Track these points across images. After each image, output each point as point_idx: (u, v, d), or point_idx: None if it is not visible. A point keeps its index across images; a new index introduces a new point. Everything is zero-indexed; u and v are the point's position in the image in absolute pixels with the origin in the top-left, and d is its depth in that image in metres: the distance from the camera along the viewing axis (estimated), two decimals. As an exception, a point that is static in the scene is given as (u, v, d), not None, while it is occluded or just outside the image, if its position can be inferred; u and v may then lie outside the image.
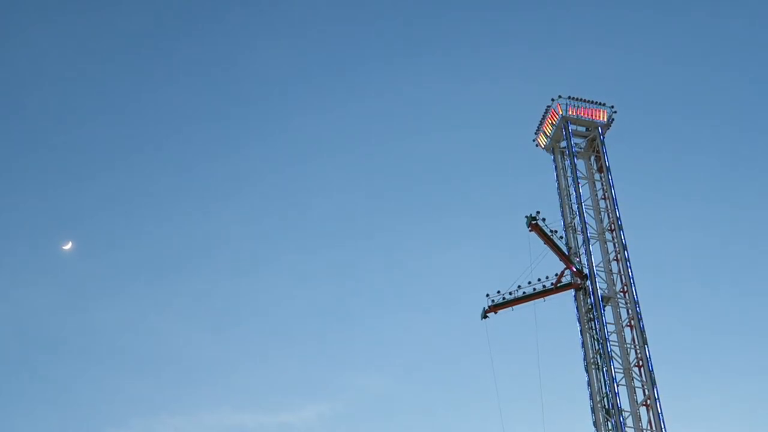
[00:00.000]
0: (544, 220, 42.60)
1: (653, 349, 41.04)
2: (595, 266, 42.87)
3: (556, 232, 43.09)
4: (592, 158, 46.37)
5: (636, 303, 41.95)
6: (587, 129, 46.78)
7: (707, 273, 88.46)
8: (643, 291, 42.61)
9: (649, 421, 39.31)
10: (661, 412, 39.21)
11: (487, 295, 43.67)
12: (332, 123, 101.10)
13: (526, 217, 42.58)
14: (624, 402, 39.71)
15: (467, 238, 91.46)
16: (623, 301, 42.39)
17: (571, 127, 46.21)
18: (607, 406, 39.59)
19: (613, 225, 44.06)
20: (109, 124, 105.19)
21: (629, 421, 39.33)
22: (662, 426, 38.86)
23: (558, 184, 46.03)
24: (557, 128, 46.21)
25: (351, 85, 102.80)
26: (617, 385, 39.76)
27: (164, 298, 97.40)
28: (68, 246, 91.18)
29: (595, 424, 40.00)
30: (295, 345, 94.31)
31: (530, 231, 42.51)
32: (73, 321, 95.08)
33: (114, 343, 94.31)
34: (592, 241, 43.64)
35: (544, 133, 47.07)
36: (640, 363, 40.72)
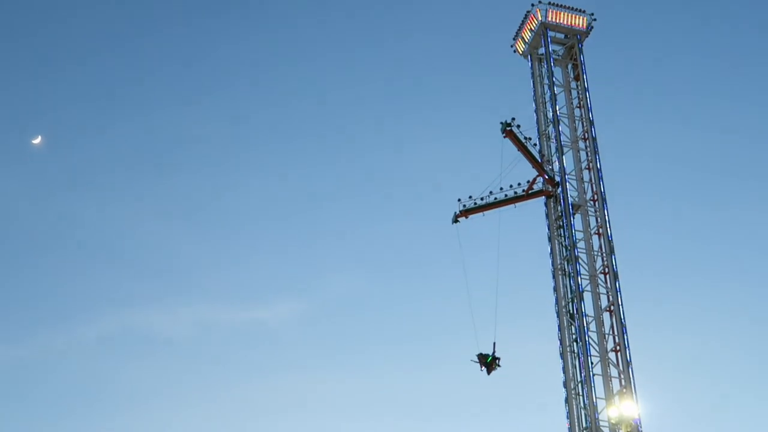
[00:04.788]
0: (518, 126, 42.70)
1: (620, 258, 41.94)
2: (567, 174, 43.32)
3: (530, 139, 43.30)
4: (570, 66, 46.26)
5: (605, 211, 42.56)
6: (566, 36, 46.48)
7: (679, 184, 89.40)
8: (613, 200, 43.27)
9: (612, 327, 40.34)
10: (624, 318, 40.24)
11: (459, 200, 44.04)
12: (307, 29, 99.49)
13: (501, 123, 42.64)
14: (588, 308, 40.70)
15: (441, 142, 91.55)
16: (593, 210, 42.98)
17: (550, 33, 45.91)
18: (571, 311, 40.58)
19: (586, 133, 44.32)
20: (80, 16, 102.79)
21: (592, 326, 40.32)
22: (624, 331, 39.92)
23: (534, 91, 45.98)
24: (536, 34, 45.90)
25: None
26: (582, 291, 40.66)
27: (138, 193, 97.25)
28: (37, 140, 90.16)
29: (559, 327, 41.02)
30: (269, 243, 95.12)
31: (504, 137, 42.62)
32: (44, 216, 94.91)
33: (86, 238, 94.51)
34: (565, 150, 43.97)
35: (523, 38, 46.74)
36: (606, 270, 41.54)
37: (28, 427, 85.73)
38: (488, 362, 39.59)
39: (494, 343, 39.49)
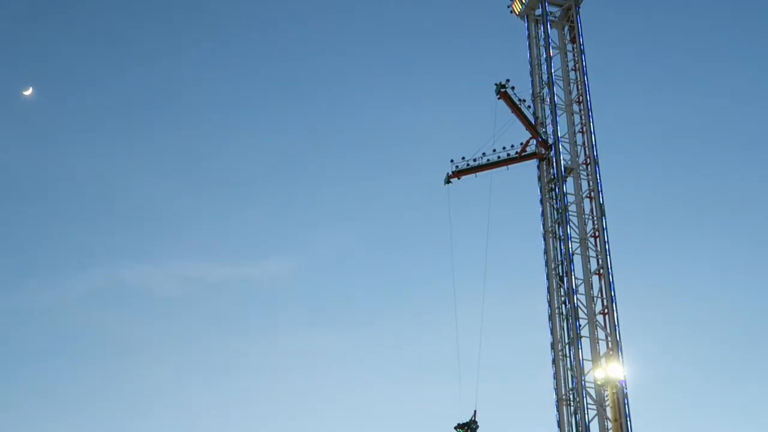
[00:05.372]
0: (513, 88, 42.61)
1: (611, 222, 42.13)
2: (561, 137, 43.32)
3: (524, 101, 43.24)
4: (566, 28, 46.01)
5: (597, 175, 42.63)
6: (563, -3, 46.22)
7: (672, 148, 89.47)
8: (605, 164, 43.31)
9: (601, 289, 40.65)
10: (613, 282, 40.52)
11: (452, 161, 44.14)
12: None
13: (496, 84, 42.57)
14: (578, 271, 40.95)
15: (435, 102, 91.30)
16: (585, 173, 43.06)
17: (547, -6, 45.65)
18: (561, 274, 40.84)
19: (581, 97, 44.23)
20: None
21: (581, 289, 40.62)
22: (612, 294, 40.22)
23: (530, 53, 45.76)
24: (533, -6, 45.66)
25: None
26: (572, 254, 40.90)
27: (130, 147, 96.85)
28: (29, 92, 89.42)
29: (548, 290, 41.32)
30: (260, 199, 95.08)
31: (499, 99, 42.57)
32: (35, 169, 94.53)
33: (77, 191, 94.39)
34: (559, 113, 43.89)
35: (520, -1, 46.48)
36: (597, 234, 41.74)
37: (16, 379, 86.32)
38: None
39: (475, 411, 39.28)
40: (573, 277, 40.25)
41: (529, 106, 43.64)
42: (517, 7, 46.66)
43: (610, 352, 39.22)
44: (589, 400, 38.32)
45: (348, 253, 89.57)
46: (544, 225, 42.55)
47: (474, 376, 40.72)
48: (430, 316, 77.79)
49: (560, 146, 42.93)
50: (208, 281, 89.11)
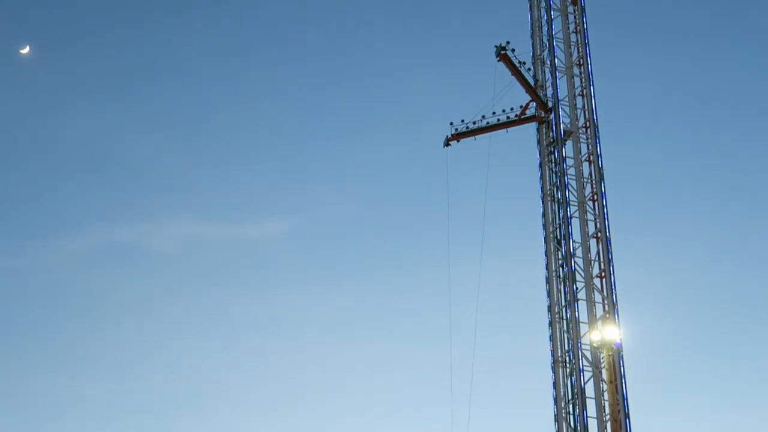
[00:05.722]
0: (513, 50, 42.40)
1: (609, 185, 42.18)
2: (561, 100, 43.23)
3: (524, 63, 43.03)
4: (567, -10, 45.70)
5: (597, 139, 42.59)
6: (565, -42, 45.82)
7: (673, 112, 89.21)
8: (605, 128, 43.26)
9: (598, 253, 40.79)
10: (610, 245, 40.66)
11: (451, 124, 44.16)
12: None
13: (496, 46, 42.30)
14: (576, 234, 41.08)
15: (434, 65, 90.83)
16: (584, 137, 43.01)
17: (549, -46, 45.27)
18: (558, 237, 40.97)
19: (582, 59, 44.02)
20: None
21: (579, 252, 40.77)
22: (610, 258, 40.38)
23: (530, 14, 45.49)
24: (534, -45, 45.29)
25: None
26: (571, 218, 40.99)
27: (128, 104, 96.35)
28: (26, 50, 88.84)
29: (546, 253, 41.47)
30: (261, 159, 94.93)
31: (498, 61, 42.37)
32: (32, 129, 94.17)
33: (75, 150, 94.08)
34: (559, 75, 43.75)
35: (521, -41, 46.06)
36: (595, 197, 41.80)
37: (14, 338, 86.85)
38: None
39: None
40: (571, 240, 40.40)
41: (530, 69, 43.48)
42: (519, -31, 46.28)
43: (607, 315, 39.47)
44: (585, 362, 38.61)
45: (347, 215, 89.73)
46: (542, 188, 42.60)
47: (471, 338, 41.10)
48: (427, 278, 78.06)
49: (560, 109, 42.88)
50: (206, 241, 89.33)
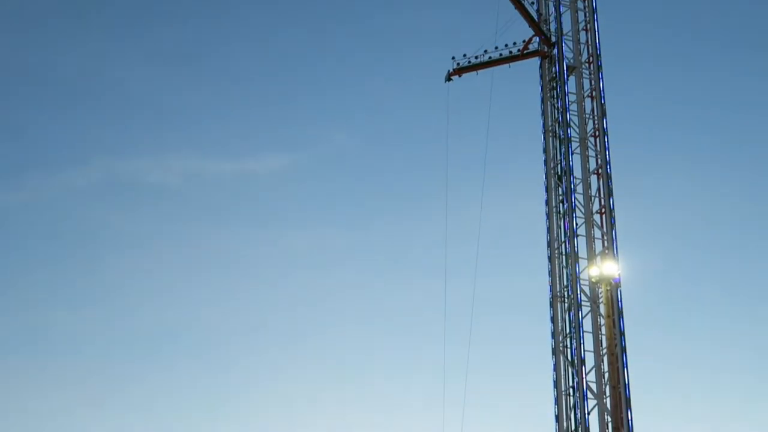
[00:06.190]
0: (516, -17, 41.91)
1: (612, 122, 42.00)
2: (564, 35, 42.81)
3: (527, -4, 42.56)
4: None
5: (600, 74, 42.27)
6: None
7: (678, 49, 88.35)
8: (609, 63, 42.84)
9: (599, 189, 40.84)
10: (611, 181, 40.66)
11: (453, 58, 43.79)
12: None
13: (499, -21, 41.86)
14: (577, 170, 41.09)
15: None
16: (587, 72, 42.70)
17: None
18: (559, 173, 40.97)
19: (585, -7, 43.48)
20: None
21: (579, 188, 40.81)
22: (610, 194, 40.44)
23: (535, -53, 44.79)
24: None
25: None
26: (572, 154, 40.95)
27: (128, 37, 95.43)
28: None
29: (546, 188, 41.51)
30: (262, 94, 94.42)
31: (502, -6, 41.90)
32: (32, 62, 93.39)
33: (75, 84, 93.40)
34: (563, 10, 43.28)
35: None
36: (597, 133, 41.67)
37: (15, 273, 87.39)
38: None
39: None
40: (571, 176, 40.42)
41: (533, 3, 43.03)
42: None
43: (606, 251, 39.70)
44: (583, 297, 38.96)
45: (347, 151, 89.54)
46: (544, 124, 42.44)
47: (472, 273, 41.39)
48: (426, 215, 78.30)
49: (563, 44, 42.50)
50: (207, 175, 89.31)
